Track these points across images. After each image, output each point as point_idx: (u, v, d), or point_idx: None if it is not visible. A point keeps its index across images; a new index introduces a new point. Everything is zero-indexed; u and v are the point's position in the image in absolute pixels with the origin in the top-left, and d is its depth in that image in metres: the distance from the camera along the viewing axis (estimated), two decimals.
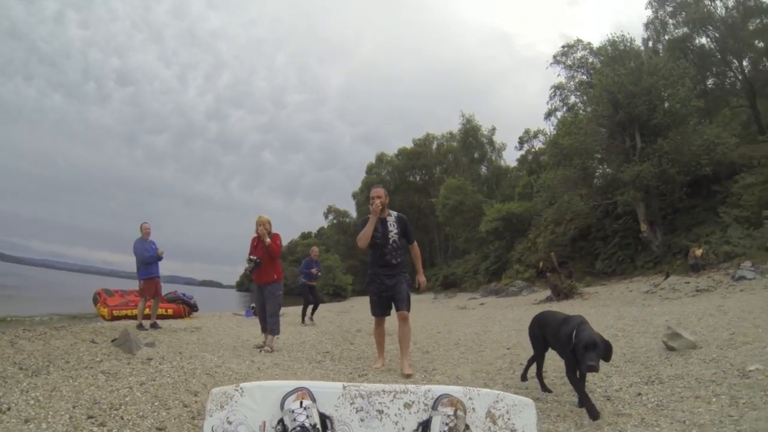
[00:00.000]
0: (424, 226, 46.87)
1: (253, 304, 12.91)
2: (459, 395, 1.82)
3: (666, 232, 17.20)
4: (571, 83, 29.23)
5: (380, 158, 55.04)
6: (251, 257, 5.65)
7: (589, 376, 3.38)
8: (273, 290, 5.79)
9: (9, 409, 2.45)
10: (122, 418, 2.54)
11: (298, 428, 1.67)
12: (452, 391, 1.85)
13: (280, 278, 5.89)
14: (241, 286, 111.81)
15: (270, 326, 5.69)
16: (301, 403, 1.75)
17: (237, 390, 1.88)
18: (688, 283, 10.63)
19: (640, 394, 3.13)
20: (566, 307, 10.69)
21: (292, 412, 1.72)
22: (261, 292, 5.83)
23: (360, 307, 21.68)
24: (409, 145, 53.20)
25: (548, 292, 13.92)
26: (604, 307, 9.62)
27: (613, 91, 17.62)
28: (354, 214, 56.35)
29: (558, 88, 30.86)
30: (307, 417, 1.71)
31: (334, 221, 61.14)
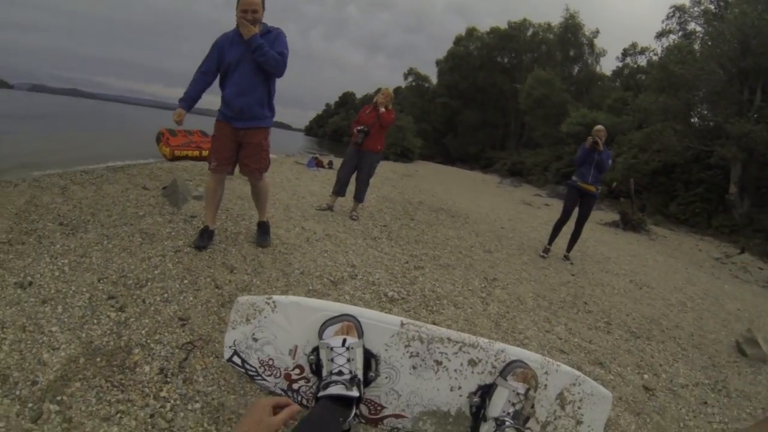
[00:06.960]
0: (503, 109, 45.43)
1: (318, 156, 12.89)
2: (536, 366, 1.41)
3: (755, 204, 14.73)
4: (696, 9, 24.03)
5: (470, 32, 49.78)
6: (359, 128, 5.61)
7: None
8: (373, 160, 5.79)
9: (31, 284, 2.34)
10: (144, 301, 2.37)
11: (334, 374, 1.30)
12: (529, 359, 1.42)
13: (382, 149, 5.86)
14: (310, 131, 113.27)
15: (360, 194, 5.82)
16: (344, 341, 1.36)
17: (268, 303, 1.50)
18: (762, 269, 9.32)
19: (705, 402, 2.74)
20: (631, 241, 9.92)
21: (332, 349, 1.35)
22: (359, 157, 5.75)
23: (426, 173, 21.38)
24: (503, 25, 48.00)
25: (616, 216, 12.88)
26: (671, 258, 8.68)
27: (747, 33, 14.32)
28: (435, 80, 53.30)
29: (679, 9, 25.75)
30: (348, 361, 1.33)
31: (413, 83, 56.89)
